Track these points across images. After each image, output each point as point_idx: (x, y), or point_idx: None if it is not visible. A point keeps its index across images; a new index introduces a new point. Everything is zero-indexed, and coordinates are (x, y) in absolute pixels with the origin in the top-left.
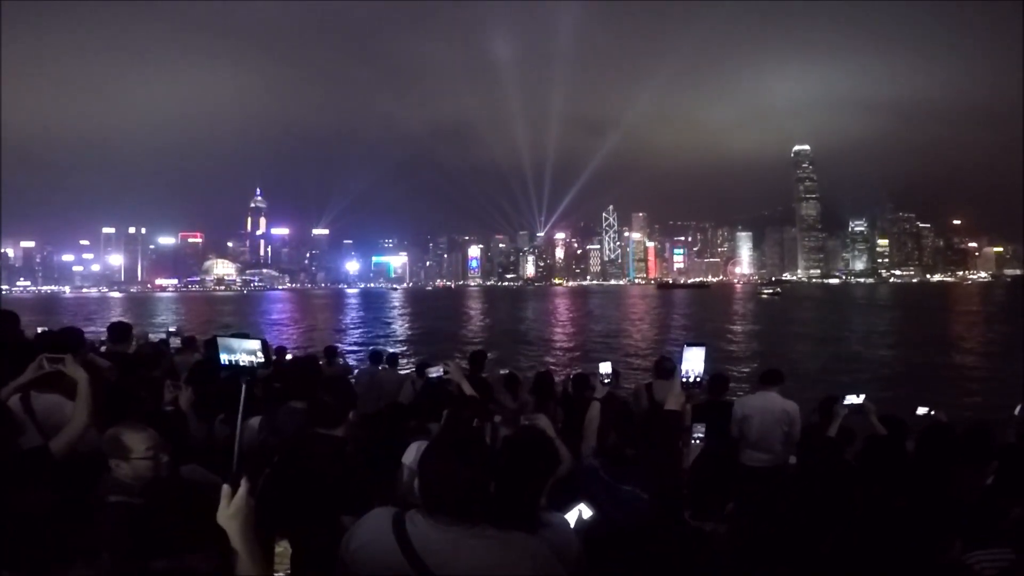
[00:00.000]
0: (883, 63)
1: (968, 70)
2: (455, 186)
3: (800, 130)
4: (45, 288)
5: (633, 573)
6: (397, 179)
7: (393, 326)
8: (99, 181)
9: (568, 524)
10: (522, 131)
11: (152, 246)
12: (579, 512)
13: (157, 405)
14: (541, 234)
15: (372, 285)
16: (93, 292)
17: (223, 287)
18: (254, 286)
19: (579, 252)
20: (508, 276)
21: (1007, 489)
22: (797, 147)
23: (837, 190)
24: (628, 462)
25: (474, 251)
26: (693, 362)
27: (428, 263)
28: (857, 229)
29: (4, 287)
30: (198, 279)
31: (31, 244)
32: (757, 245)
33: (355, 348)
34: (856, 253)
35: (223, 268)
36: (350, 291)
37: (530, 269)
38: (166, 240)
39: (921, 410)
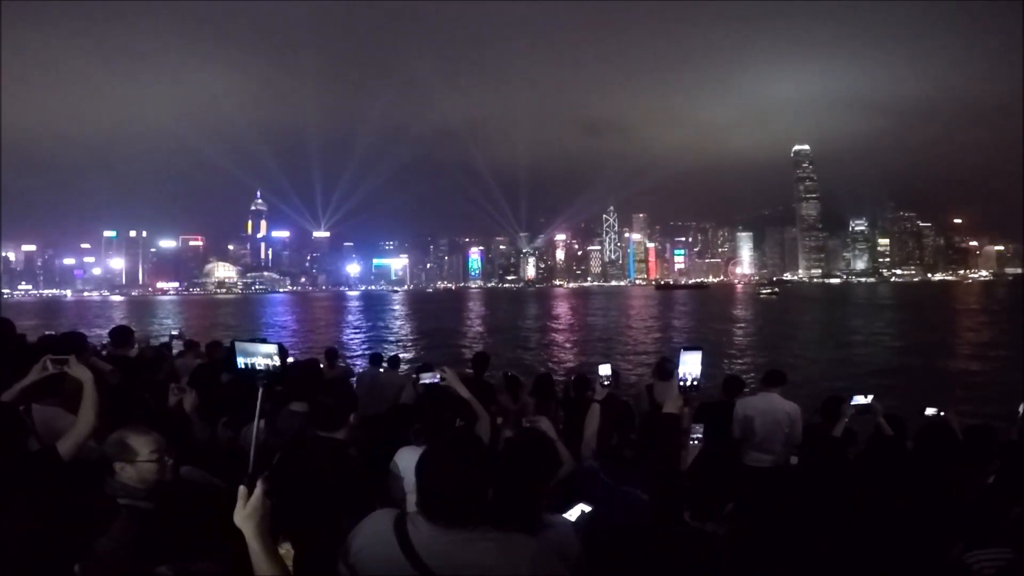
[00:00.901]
0: (882, 62)
1: (968, 69)
2: (455, 188)
3: (800, 130)
4: (47, 292)
5: (633, 574)
6: (398, 181)
7: (394, 328)
8: (100, 185)
9: (569, 525)
10: (522, 133)
11: (153, 249)
12: (580, 511)
13: (160, 408)
14: (541, 236)
15: (373, 287)
16: (95, 296)
17: (224, 290)
18: (255, 289)
19: (579, 253)
20: (509, 278)
21: (1008, 489)
22: (797, 147)
23: (837, 190)
24: (628, 463)
25: (475, 253)
26: (690, 366)
27: (429, 265)
28: (858, 229)
29: (5, 291)
30: (199, 282)
31: (32, 248)
32: (758, 245)
33: (356, 350)
34: (857, 253)
35: (224, 271)
36: (351, 293)
37: (531, 271)
38: (167, 243)
39: (930, 411)
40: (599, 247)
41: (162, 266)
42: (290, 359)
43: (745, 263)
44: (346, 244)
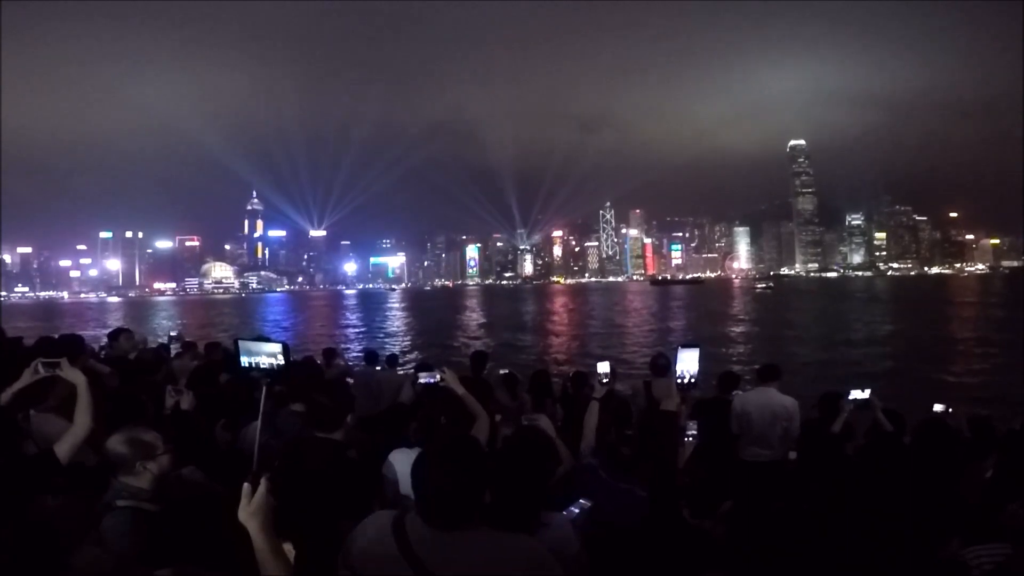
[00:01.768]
0: (878, 57)
1: (963, 63)
2: (452, 186)
3: (795, 125)
4: (43, 294)
5: (632, 571)
6: (394, 179)
7: (392, 327)
8: (96, 186)
9: (568, 524)
10: (519, 129)
11: (149, 250)
12: (580, 507)
13: (159, 410)
14: (539, 232)
15: (370, 286)
16: (91, 297)
17: (221, 290)
18: (252, 288)
19: (577, 250)
20: (506, 275)
21: (1005, 483)
22: (793, 142)
23: (833, 184)
24: (625, 460)
25: (472, 250)
26: (688, 363)
27: (426, 263)
28: (854, 223)
29: (2, 294)
30: (196, 282)
31: (28, 250)
32: (755, 240)
33: (354, 349)
34: (853, 247)
35: (221, 271)
36: (348, 292)
37: (528, 267)
38: (163, 244)
39: (938, 407)
40: (596, 243)
41: (159, 267)
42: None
43: (742, 258)
44: (343, 243)
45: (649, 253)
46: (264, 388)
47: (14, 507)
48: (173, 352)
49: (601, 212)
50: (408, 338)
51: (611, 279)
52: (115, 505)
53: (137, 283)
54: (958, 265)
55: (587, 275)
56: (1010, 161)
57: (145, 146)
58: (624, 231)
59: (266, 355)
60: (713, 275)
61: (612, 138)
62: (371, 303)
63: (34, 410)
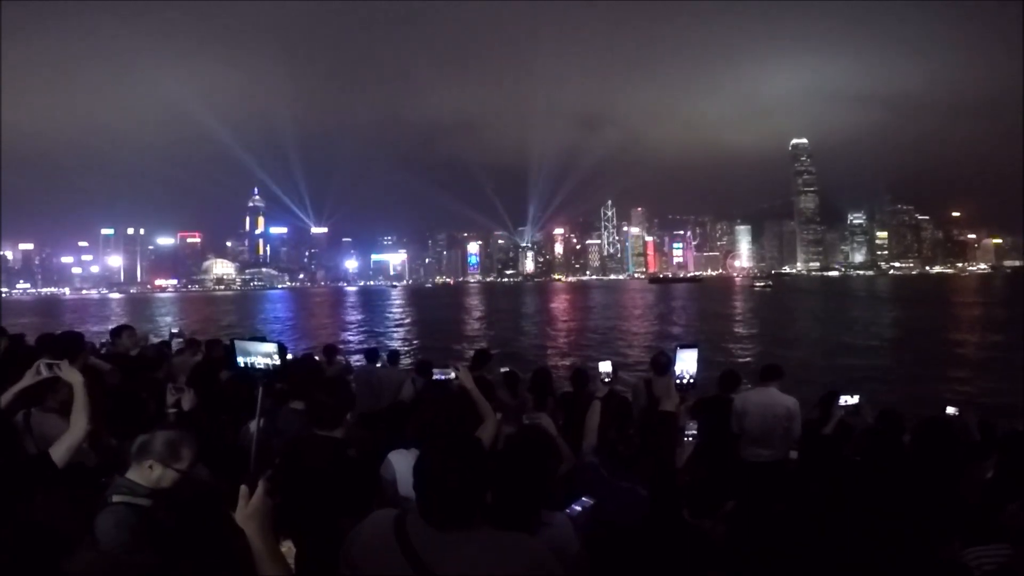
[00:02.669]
0: (880, 56)
1: (965, 62)
2: (454, 183)
3: (798, 124)
4: (45, 290)
5: (632, 571)
6: (395, 177)
7: (393, 324)
8: (97, 182)
9: (569, 523)
10: (520, 127)
11: (151, 247)
12: (583, 505)
13: (160, 408)
14: (540, 230)
15: (372, 283)
16: (93, 293)
17: (223, 287)
18: (253, 285)
19: (578, 247)
20: (508, 272)
21: (1006, 483)
22: (795, 140)
23: (835, 183)
24: (626, 459)
25: (473, 248)
26: (687, 363)
27: (427, 260)
28: (856, 222)
29: (4, 290)
30: (198, 279)
31: (30, 246)
32: (756, 239)
33: (355, 346)
34: (855, 246)
35: (222, 268)
36: (349, 289)
37: (529, 265)
38: (165, 240)
39: (951, 409)
40: (598, 241)
41: (160, 263)
42: (289, 356)
43: (744, 256)
44: (344, 240)
45: (651, 251)
46: (260, 388)
47: (9, 509)
48: (175, 349)
49: (603, 210)
50: (409, 335)
51: (612, 277)
52: (110, 501)
53: (139, 279)
54: (960, 264)
55: (588, 273)
56: (1012, 160)
57: (147, 143)
58: (626, 229)
59: (262, 355)
60: (714, 273)
61: (614, 136)
62: (372, 300)
63: (36, 409)
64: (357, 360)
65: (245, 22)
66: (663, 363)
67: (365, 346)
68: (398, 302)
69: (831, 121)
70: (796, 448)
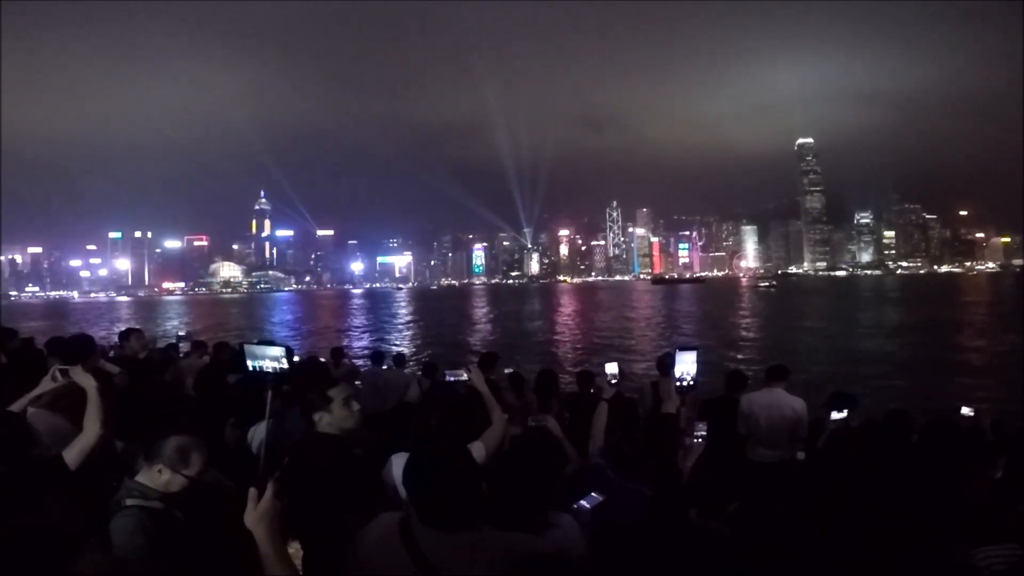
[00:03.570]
0: (885, 54)
1: (972, 60)
2: (459, 185)
3: (803, 123)
4: (53, 293)
5: (637, 571)
6: (401, 179)
7: (399, 326)
8: (105, 186)
9: (575, 524)
10: (525, 128)
11: (158, 250)
12: (592, 501)
13: (170, 410)
14: (545, 231)
15: (377, 285)
16: (101, 297)
17: (229, 289)
18: (260, 288)
19: (583, 248)
20: (513, 274)
21: (1015, 483)
22: (801, 140)
23: (842, 182)
24: (631, 460)
25: (479, 250)
26: (687, 365)
27: (433, 262)
28: (863, 221)
29: (13, 293)
30: (205, 282)
31: (39, 250)
32: (762, 239)
33: (362, 349)
34: (862, 245)
35: (229, 271)
36: (355, 291)
37: (535, 266)
38: (172, 244)
39: (966, 410)
40: (603, 242)
41: (167, 266)
42: (295, 359)
43: (750, 257)
44: (350, 242)
45: (656, 252)
46: (270, 392)
47: (19, 511)
48: (182, 352)
49: (608, 211)
50: (415, 338)
51: (618, 278)
52: (124, 504)
53: (146, 283)
54: (968, 264)
55: (594, 274)
56: (1020, 159)
57: (154, 147)
58: (631, 230)
59: (270, 359)
60: (720, 274)
61: (619, 137)
62: (378, 303)
63: (44, 411)
64: (363, 364)
65: (251, 25)
66: (668, 364)
67: (371, 349)
68: (404, 304)
69: (837, 120)
70: (802, 449)
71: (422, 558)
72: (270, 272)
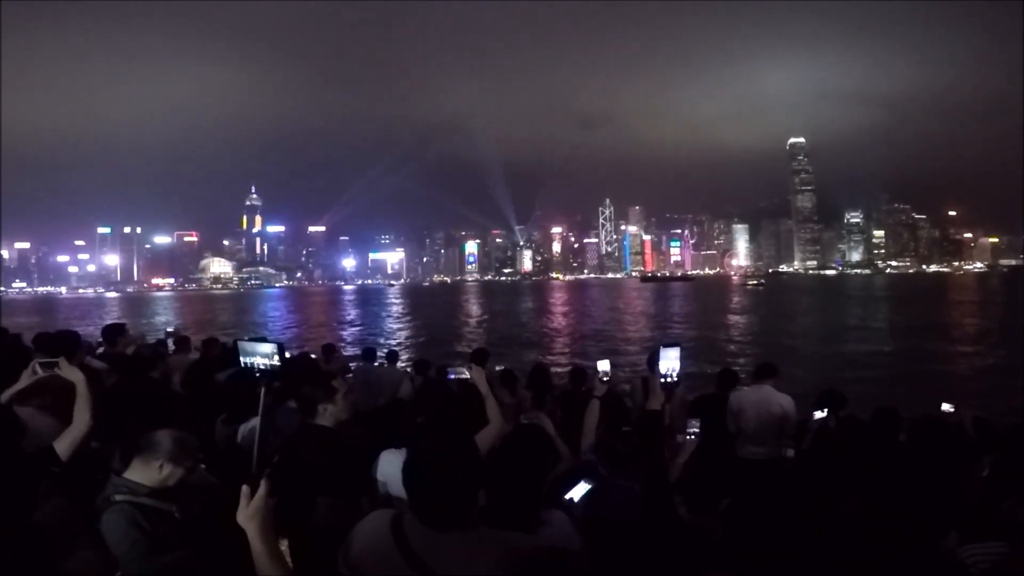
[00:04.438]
0: (877, 55)
1: (962, 61)
2: (451, 181)
3: (795, 122)
4: (41, 289)
5: (631, 568)
6: (393, 175)
7: (391, 322)
8: (93, 181)
9: (568, 521)
10: (517, 125)
11: (148, 245)
12: (584, 489)
13: (162, 406)
14: (538, 229)
15: (369, 281)
16: (89, 292)
17: (220, 286)
18: (251, 284)
19: (576, 246)
20: (505, 271)
21: (1003, 481)
22: (792, 139)
23: (832, 182)
24: (622, 456)
25: (471, 246)
26: (670, 362)
27: (425, 259)
28: (853, 220)
29: (0, 289)
30: (195, 278)
31: (26, 245)
32: (753, 237)
33: (353, 345)
34: (852, 244)
35: (219, 267)
36: (347, 288)
37: (527, 264)
38: (162, 239)
39: (946, 407)
40: (595, 240)
41: (157, 262)
42: (286, 355)
43: (741, 255)
44: (342, 238)
45: (648, 250)
46: (263, 389)
47: (13, 507)
48: (171, 349)
49: (600, 208)
50: (407, 334)
51: (610, 276)
52: (113, 500)
53: (135, 278)
54: (956, 263)
55: (586, 271)
56: (1009, 159)
57: (143, 141)
58: (623, 227)
59: (261, 355)
60: (712, 272)
61: (611, 135)
62: (370, 299)
63: (28, 408)
64: (354, 362)
65: (241, 20)
66: (652, 361)
67: (363, 345)
68: (396, 301)
69: (828, 120)
70: (791, 446)
71: (414, 557)
72: (261, 268)
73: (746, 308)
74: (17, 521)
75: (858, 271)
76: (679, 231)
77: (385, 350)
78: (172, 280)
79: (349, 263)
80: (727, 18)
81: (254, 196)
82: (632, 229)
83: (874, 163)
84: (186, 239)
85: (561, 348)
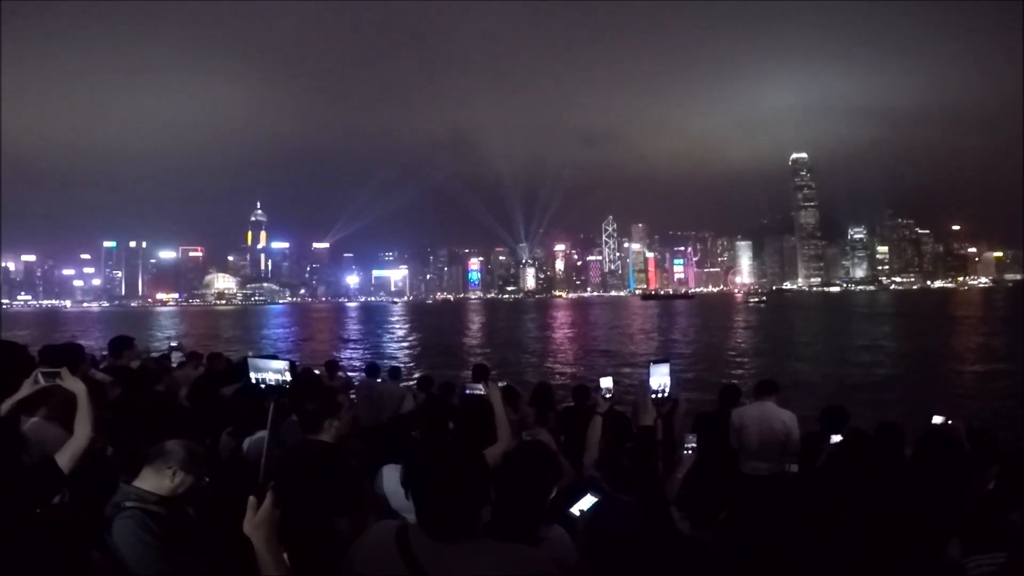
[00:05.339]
0: (879, 70)
1: (964, 75)
2: (455, 199)
3: (797, 138)
4: (46, 302)
5: None
6: (397, 192)
7: (394, 340)
8: (100, 195)
9: (566, 536)
10: (521, 143)
11: (153, 260)
12: (589, 501)
13: (168, 419)
14: (541, 246)
15: (373, 299)
16: (94, 306)
17: (224, 301)
18: (255, 300)
19: (579, 263)
20: (509, 288)
21: (1008, 493)
22: (795, 155)
23: (835, 198)
24: (624, 471)
25: (474, 264)
26: (661, 378)
27: (428, 276)
28: (856, 236)
29: (5, 301)
30: (199, 293)
31: (32, 258)
32: (757, 254)
33: (357, 362)
34: (856, 260)
35: (224, 282)
36: (350, 305)
37: (530, 281)
38: (167, 254)
39: (937, 419)
40: (599, 257)
41: (162, 277)
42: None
43: (744, 272)
44: (346, 255)
45: (651, 267)
46: (272, 405)
47: (15, 516)
48: (174, 363)
49: (603, 226)
50: (410, 351)
51: (613, 293)
52: (124, 507)
53: (140, 293)
54: (961, 279)
55: (589, 289)
56: (1013, 174)
57: (149, 156)
58: (626, 245)
59: (273, 372)
60: (715, 290)
61: (614, 152)
62: (373, 316)
63: (25, 416)
64: (358, 377)
65: (247, 38)
66: (644, 378)
67: (366, 362)
68: (399, 318)
69: (831, 135)
70: (794, 462)
71: (418, 568)
72: (265, 284)
73: (749, 325)
74: (24, 529)
75: (862, 288)
76: (682, 248)
77: (388, 367)
78: (176, 295)
79: (353, 280)
80: (729, 35)
81: (259, 212)
82: (635, 246)
83: (877, 178)
84: (191, 254)
85: (564, 365)
